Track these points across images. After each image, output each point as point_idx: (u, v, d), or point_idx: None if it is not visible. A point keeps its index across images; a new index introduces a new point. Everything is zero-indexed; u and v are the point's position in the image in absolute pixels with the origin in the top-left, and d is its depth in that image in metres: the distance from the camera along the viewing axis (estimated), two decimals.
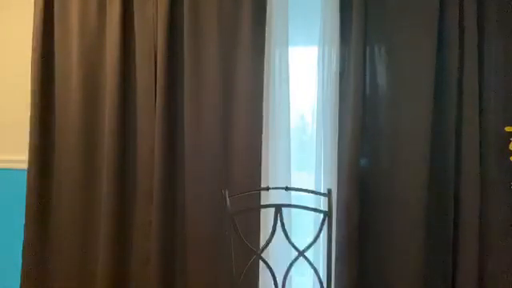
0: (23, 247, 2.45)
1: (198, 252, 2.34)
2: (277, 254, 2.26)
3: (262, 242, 2.21)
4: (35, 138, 2.45)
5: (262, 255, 1.99)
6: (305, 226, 2.36)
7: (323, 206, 2.27)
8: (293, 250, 2.01)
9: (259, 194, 2.31)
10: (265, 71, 2.35)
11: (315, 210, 2.10)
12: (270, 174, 2.36)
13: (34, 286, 2.45)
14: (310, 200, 2.33)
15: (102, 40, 2.44)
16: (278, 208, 1.95)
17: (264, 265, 2.00)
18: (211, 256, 2.34)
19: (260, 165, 2.33)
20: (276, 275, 1.99)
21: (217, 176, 2.35)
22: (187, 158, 2.36)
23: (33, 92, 2.45)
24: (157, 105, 2.36)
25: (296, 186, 2.31)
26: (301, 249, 1.98)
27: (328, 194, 2.05)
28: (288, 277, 2.09)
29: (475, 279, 2.19)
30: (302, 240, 2.07)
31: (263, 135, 2.34)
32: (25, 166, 2.47)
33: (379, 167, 2.31)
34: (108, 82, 2.40)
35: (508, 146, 2.20)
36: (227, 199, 1.98)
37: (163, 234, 2.35)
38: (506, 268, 2.21)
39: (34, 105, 2.44)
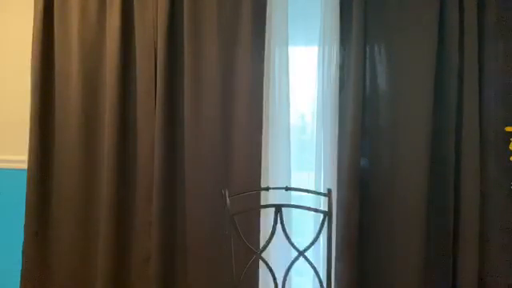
0: (23, 247, 2.45)
1: (198, 252, 2.35)
2: (277, 254, 2.26)
3: (262, 242, 2.21)
4: (35, 138, 2.44)
5: (262, 255, 1.99)
6: (305, 226, 2.36)
7: (323, 206, 2.27)
8: (293, 250, 2.01)
9: (259, 193, 2.31)
10: (265, 71, 2.35)
11: (315, 210, 2.11)
12: (270, 174, 2.36)
13: (34, 286, 2.45)
14: (309, 200, 2.33)
15: (102, 40, 2.44)
16: (278, 208, 1.95)
17: (264, 265, 2.01)
18: (211, 256, 2.34)
19: (260, 165, 2.33)
20: (276, 275, 1.99)
21: (217, 176, 2.35)
22: (187, 158, 2.36)
23: (33, 92, 2.44)
24: (157, 105, 2.35)
25: (296, 186, 2.31)
26: (301, 249, 1.98)
27: (328, 194, 2.05)
28: (288, 277, 2.09)
29: (475, 279, 2.19)
30: (302, 240, 2.08)
31: (263, 135, 2.34)
32: (25, 166, 2.47)
33: (379, 167, 2.31)
34: (108, 83, 2.40)
35: (508, 146, 2.20)
36: (227, 199, 1.98)
37: (163, 234, 2.35)
38: (505, 268, 2.21)
39: (33, 105, 2.44)
